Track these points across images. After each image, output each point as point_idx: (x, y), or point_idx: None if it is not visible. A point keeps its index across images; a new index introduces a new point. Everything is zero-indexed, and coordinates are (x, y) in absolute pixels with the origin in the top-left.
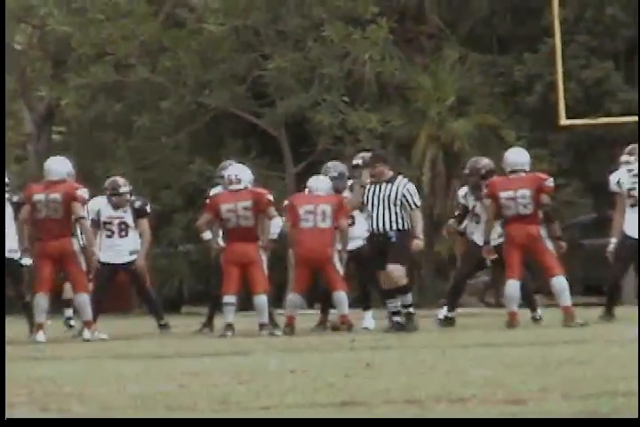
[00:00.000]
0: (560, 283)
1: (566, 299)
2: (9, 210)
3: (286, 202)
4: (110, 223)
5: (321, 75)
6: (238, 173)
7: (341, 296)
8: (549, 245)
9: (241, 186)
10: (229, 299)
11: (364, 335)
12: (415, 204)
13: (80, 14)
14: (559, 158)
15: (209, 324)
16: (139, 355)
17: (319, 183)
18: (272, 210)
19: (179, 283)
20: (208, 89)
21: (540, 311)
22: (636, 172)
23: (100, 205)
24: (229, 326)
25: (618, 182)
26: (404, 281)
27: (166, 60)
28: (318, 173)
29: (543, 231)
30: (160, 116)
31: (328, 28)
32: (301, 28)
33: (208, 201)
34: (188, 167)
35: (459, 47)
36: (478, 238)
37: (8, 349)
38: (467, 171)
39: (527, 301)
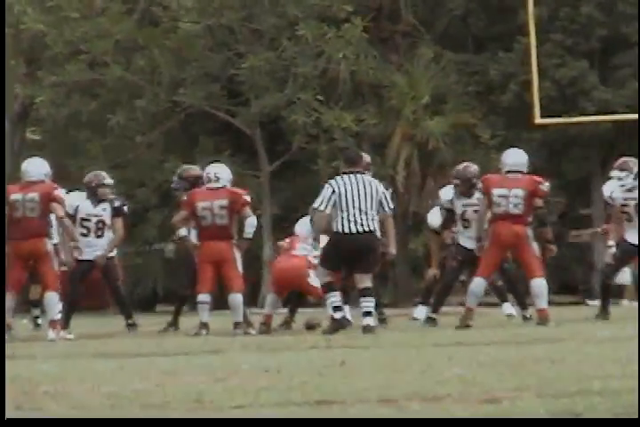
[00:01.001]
0: (539, 285)
1: (543, 302)
2: None
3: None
4: (88, 220)
5: (295, 74)
6: (218, 171)
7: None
8: (534, 246)
9: (219, 184)
10: (204, 297)
11: (338, 334)
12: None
13: (54, 12)
14: (533, 157)
15: (174, 323)
16: (114, 353)
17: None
18: (248, 210)
19: (153, 281)
20: (182, 87)
21: (530, 311)
22: (629, 187)
23: (80, 200)
24: (204, 325)
25: (611, 197)
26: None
27: (141, 58)
28: (294, 171)
29: (530, 232)
30: (134, 115)
31: (302, 27)
32: (276, 27)
33: (185, 198)
34: (163, 166)
35: (433, 46)
36: (465, 242)
37: None
38: (456, 181)
39: (517, 299)
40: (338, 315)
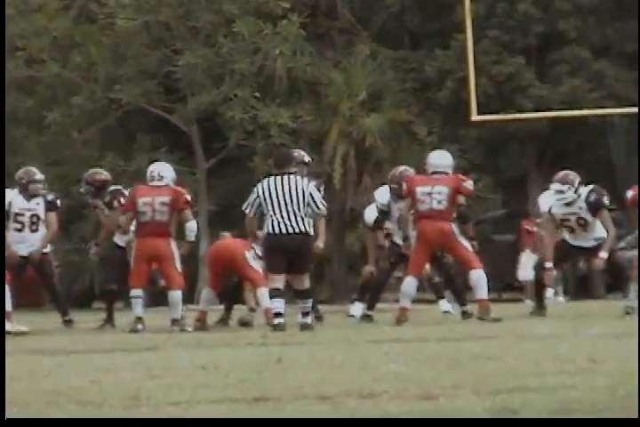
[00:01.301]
0: (478, 277)
1: (483, 292)
2: None
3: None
4: (22, 215)
5: (232, 70)
6: (161, 170)
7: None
8: (464, 240)
9: (162, 183)
10: (137, 292)
11: (274, 331)
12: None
13: None
14: (470, 154)
15: (109, 320)
16: (51, 350)
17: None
18: (189, 213)
19: (89, 278)
20: (119, 84)
21: (469, 306)
22: (569, 200)
23: (12, 196)
24: (139, 319)
25: (549, 212)
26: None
27: (77, 55)
28: (230, 168)
29: (456, 229)
30: (71, 112)
31: (239, 24)
32: (212, 23)
33: (127, 198)
34: (100, 163)
35: (370, 43)
36: (399, 240)
37: None
38: (394, 185)
39: (456, 295)
40: (277, 321)
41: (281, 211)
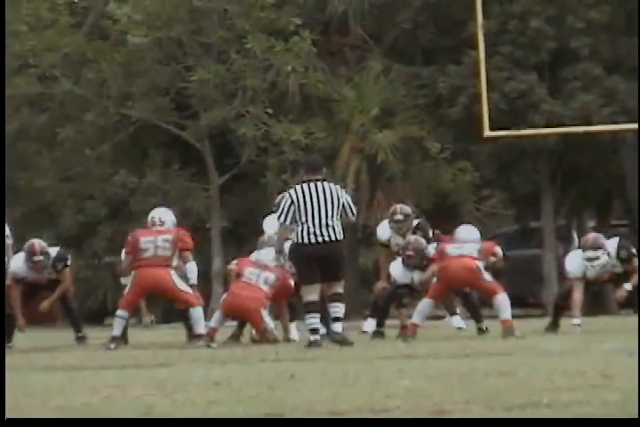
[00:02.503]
0: (502, 299)
1: (507, 313)
2: None
3: None
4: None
5: (244, 87)
6: (162, 215)
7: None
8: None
9: (164, 228)
10: (122, 313)
11: (287, 347)
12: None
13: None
14: (483, 170)
15: (123, 336)
16: (63, 367)
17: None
18: (189, 254)
19: (102, 295)
20: (131, 101)
21: (485, 323)
22: (604, 264)
23: (17, 261)
24: (114, 339)
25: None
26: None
27: (89, 71)
28: (243, 184)
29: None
30: (83, 128)
31: (250, 40)
32: (224, 39)
33: (129, 240)
34: (112, 179)
35: (382, 59)
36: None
37: None
38: (399, 217)
39: (472, 312)
40: (313, 337)
41: (314, 219)
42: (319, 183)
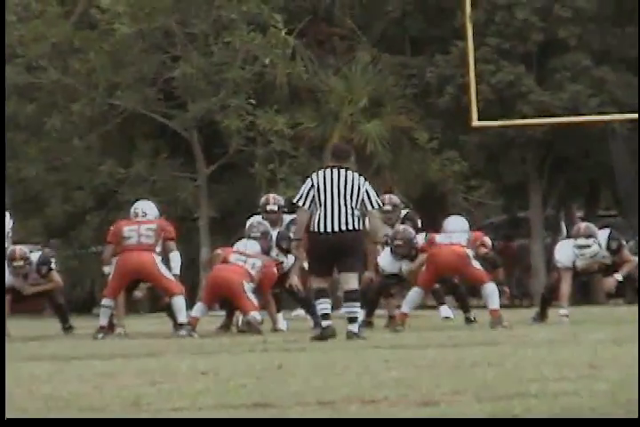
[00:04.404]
0: (491, 289)
1: (494, 303)
2: None
3: None
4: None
5: (226, 78)
6: (145, 207)
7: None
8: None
9: (146, 219)
10: (108, 302)
11: (275, 337)
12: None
13: None
14: (471, 160)
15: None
16: (51, 356)
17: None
18: (173, 244)
19: (90, 284)
20: (119, 91)
21: (473, 313)
22: (595, 253)
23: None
24: (102, 329)
25: (573, 266)
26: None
27: (77, 61)
28: (231, 174)
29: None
30: (71, 118)
31: (228, 35)
32: (206, 32)
33: (111, 230)
34: (100, 168)
35: (371, 49)
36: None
37: None
38: (388, 207)
39: (460, 302)
40: (325, 323)
41: (329, 206)
42: (342, 171)
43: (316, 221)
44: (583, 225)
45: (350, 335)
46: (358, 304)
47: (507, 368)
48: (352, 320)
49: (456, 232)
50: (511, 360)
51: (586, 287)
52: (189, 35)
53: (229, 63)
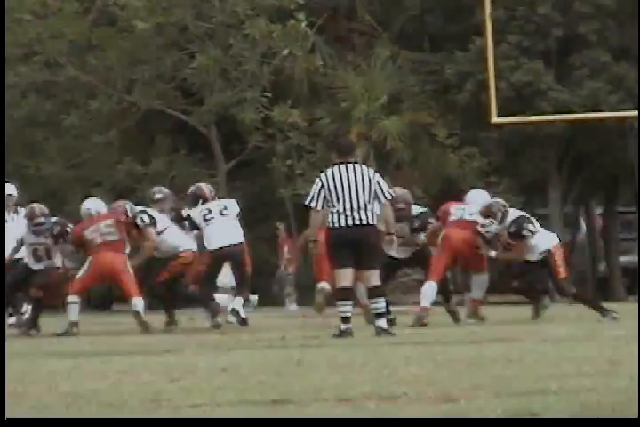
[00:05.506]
0: (484, 279)
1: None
2: None
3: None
4: (36, 249)
5: (244, 72)
6: (95, 205)
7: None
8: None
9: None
10: (74, 298)
11: (295, 333)
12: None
13: (6, 14)
14: (490, 156)
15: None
16: (71, 353)
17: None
18: (149, 232)
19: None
20: (136, 87)
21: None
22: (493, 233)
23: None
24: (75, 324)
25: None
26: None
27: (94, 58)
28: (250, 169)
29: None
30: (89, 115)
31: (249, 26)
32: (224, 25)
33: (71, 238)
34: (119, 165)
35: (390, 45)
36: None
37: None
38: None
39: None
40: (345, 326)
41: (344, 202)
42: (350, 165)
43: (334, 217)
44: (487, 203)
45: (379, 331)
46: (383, 300)
47: (526, 365)
48: (379, 316)
49: (473, 203)
50: (530, 357)
51: (605, 283)
52: (206, 29)
53: (246, 56)
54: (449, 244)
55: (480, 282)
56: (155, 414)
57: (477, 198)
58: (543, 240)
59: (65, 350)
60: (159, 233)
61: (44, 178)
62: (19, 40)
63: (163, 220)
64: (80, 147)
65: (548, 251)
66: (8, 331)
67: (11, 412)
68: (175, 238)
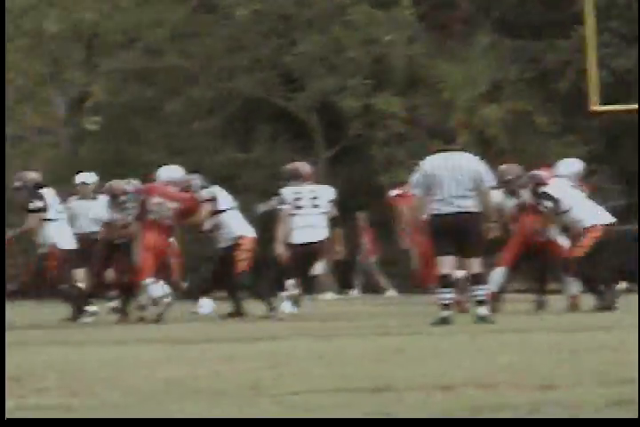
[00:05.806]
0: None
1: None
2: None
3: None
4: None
5: (346, 59)
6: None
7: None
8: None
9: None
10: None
11: (395, 320)
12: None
13: (107, 1)
14: (591, 144)
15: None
16: (170, 340)
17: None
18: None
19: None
20: (237, 74)
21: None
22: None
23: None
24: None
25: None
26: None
27: (194, 45)
28: (351, 157)
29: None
30: (190, 102)
31: (353, 12)
32: (326, 11)
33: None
34: (219, 152)
35: (490, 33)
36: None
37: (37, 333)
38: (510, 177)
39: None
40: (445, 313)
41: (446, 189)
42: (451, 153)
43: (436, 205)
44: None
45: (481, 319)
46: (485, 287)
47: (627, 353)
48: (481, 303)
49: (564, 176)
50: (631, 345)
51: None
52: (307, 17)
53: (349, 43)
54: (524, 228)
55: (498, 276)
56: (253, 400)
57: (568, 168)
58: (589, 217)
59: (164, 338)
60: (219, 212)
61: (144, 164)
62: (119, 26)
63: (227, 199)
64: (181, 134)
65: (586, 228)
66: (108, 317)
67: (105, 398)
68: (234, 223)
